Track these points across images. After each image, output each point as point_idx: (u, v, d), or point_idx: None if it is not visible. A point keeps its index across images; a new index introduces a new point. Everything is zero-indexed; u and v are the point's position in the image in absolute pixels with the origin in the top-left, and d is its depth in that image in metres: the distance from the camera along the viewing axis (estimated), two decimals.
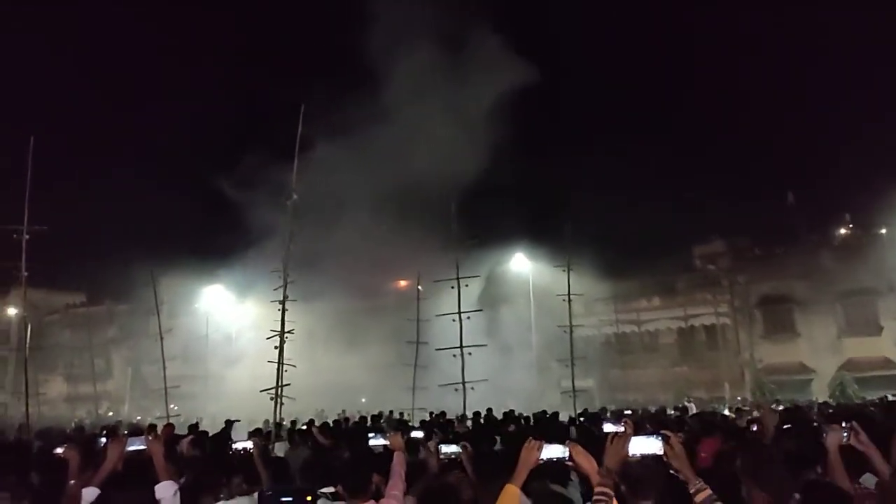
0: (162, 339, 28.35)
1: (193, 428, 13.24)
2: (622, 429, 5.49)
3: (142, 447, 4.74)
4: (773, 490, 3.29)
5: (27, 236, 18.32)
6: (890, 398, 20.12)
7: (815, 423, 8.36)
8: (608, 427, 5.87)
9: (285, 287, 16.92)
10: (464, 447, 5.08)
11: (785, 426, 7.13)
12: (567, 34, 63.25)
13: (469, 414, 18.50)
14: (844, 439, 3.89)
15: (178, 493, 4.35)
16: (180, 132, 61.27)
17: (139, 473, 4.87)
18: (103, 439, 7.15)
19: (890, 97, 56.66)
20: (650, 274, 38.89)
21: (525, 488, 3.79)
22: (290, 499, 1.15)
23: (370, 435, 6.21)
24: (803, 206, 38.21)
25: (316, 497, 1.26)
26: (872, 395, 25.79)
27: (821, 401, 25.21)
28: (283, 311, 16.82)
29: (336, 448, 7.81)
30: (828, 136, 61.99)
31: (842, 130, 59.72)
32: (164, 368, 27.45)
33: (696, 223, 42.10)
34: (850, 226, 37.75)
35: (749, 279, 37.15)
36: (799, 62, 62.93)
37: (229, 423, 13.86)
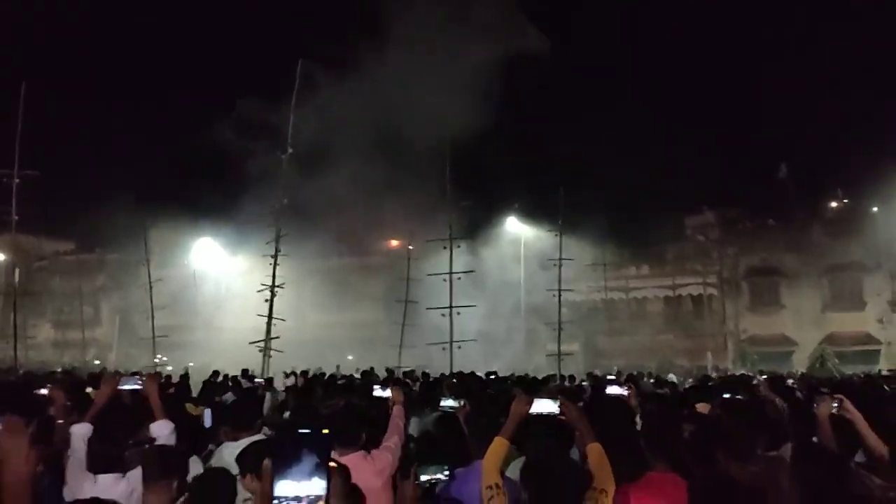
0: (151, 288, 28.38)
1: (184, 377, 13.37)
2: (625, 392, 5.60)
3: (136, 387, 4.75)
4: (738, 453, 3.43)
5: (17, 181, 18.14)
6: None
7: (797, 394, 8.51)
8: (612, 389, 5.95)
9: (277, 240, 16.95)
10: (463, 405, 5.14)
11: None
12: (578, 5, 62.02)
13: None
14: (834, 409, 3.99)
15: (175, 433, 4.37)
16: (175, 80, 59.97)
17: (133, 412, 4.91)
18: (89, 389, 7.17)
19: (884, 72, 56.37)
20: (641, 242, 39.05)
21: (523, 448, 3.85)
22: (308, 431, 1.17)
23: (375, 387, 6.38)
24: (796, 180, 38.15)
25: (331, 432, 1.29)
26: (852, 370, 26.31)
27: (800, 372, 25.70)
28: (275, 264, 16.91)
29: (327, 398, 7.89)
30: (822, 109, 61.71)
31: (836, 104, 59.41)
32: (153, 318, 27.54)
33: (689, 193, 41.96)
34: (845, 200, 37.83)
35: (738, 251, 37.38)
36: (795, 35, 62.20)
37: (215, 374, 14.02)
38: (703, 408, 5.22)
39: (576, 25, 68.90)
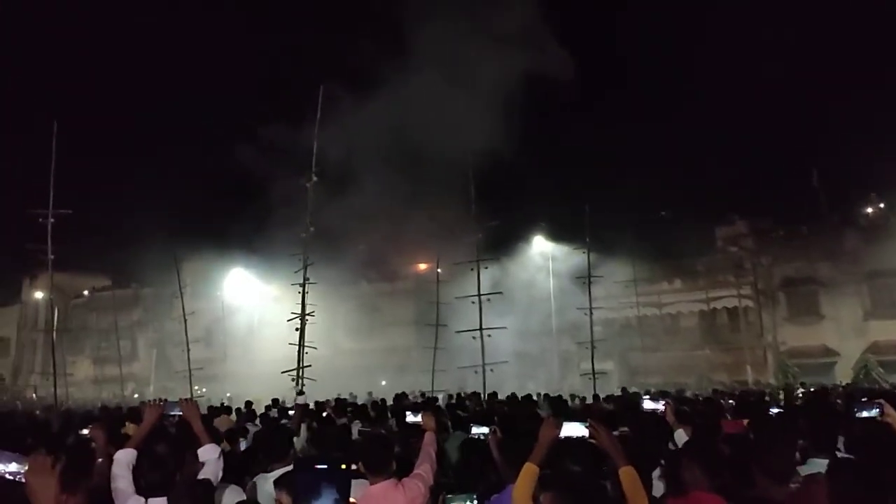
0: (186, 321, 28.75)
1: (221, 408, 13.47)
2: (661, 407, 5.46)
3: (178, 412, 4.79)
4: (775, 473, 3.32)
5: (52, 220, 18.57)
6: None
7: (836, 406, 8.26)
8: (648, 404, 5.83)
9: (305, 269, 17.02)
10: (493, 431, 5.08)
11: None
12: (602, 23, 62.25)
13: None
14: (875, 414, 3.94)
15: (222, 458, 4.37)
16: (200, 112, 61.60)
17: (179, 436, 4.94)
18: (128, 423, 7.26)
19: None
20: (672, 256, 38.50)
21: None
22: (324, 466, 1.16)
23: (407, 412, 6.38)
24: (828, 185, 37.44)
25: (350, 466, 1.27)
26: None
27: (843, 384, 24.94)
28: (304, 293, 16.95)
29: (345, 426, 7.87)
30: (852, 113, 60.65)
31: (867, 107, 58.35)
32: (188, 350, 27.84)
33: (719, 204, 41.48)
34: (880, 205, 36.90)
35: (772, 260, 36.63)
36: (822, 37, 61.37)
37: (248, 404, 14.11)
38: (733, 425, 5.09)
39: (600, 42, 69.11)
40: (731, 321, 37.70)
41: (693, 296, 38.50)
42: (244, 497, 4.06)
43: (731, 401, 13.27)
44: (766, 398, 15.49)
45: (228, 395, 25.66)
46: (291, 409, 11.76)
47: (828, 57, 60.79)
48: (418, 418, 5.25)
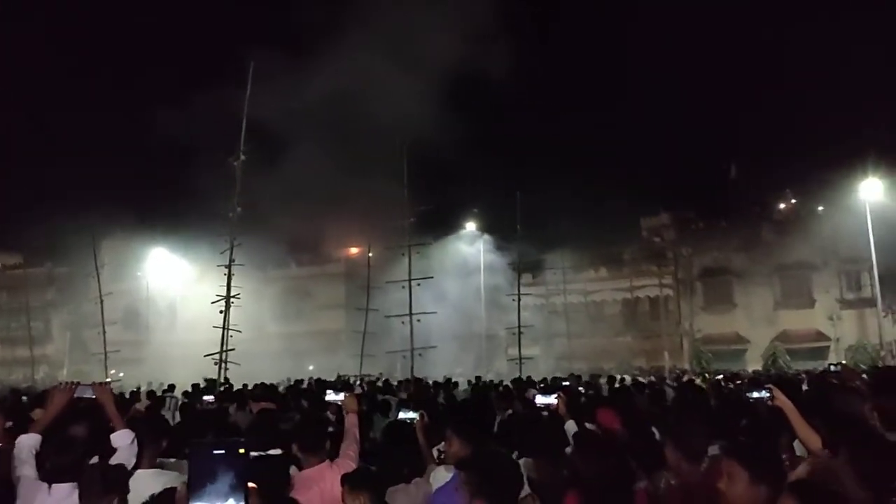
0: (102, 301, 27.59)
1: (134, 394, 12.98)
2: (554, 401, 5.55)
3: (90, 395, 4.58)
4: (689, 452, 3.47)
5: None
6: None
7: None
8: (540, 399, 5.90)
9: (231, 251, 16.51)
10: (421, 416, 5.08)
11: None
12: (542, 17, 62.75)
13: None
14: (766, 398, 4.16)
15: (136, 442, 4.22)
16: (123, 87, 58.65)
17: (89, 421, 4.72)
18: (37, 410, 6.89)
19: (834, 78, 58.51)
20: (599, 245, 39.54)
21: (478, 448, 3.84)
22: (222, 451, 1.11)
23: (327, 391, 6.43)
24: (747, 181, 39.27)
25: (249, 451, 1.23)
26: (803, 367, 27.13)
27: (753, 370, 26.34)
28: (230, 275, 16.47)
29: (286, 411, 7.75)
30: (773, 112, 63.81)
31: (786, 109, 61.47)
32: (104, 332, 26.75)
33: (645, 196, 42.87)
34: (793, 201, 38.96)
35: (692, 251, 38.17)
36: (746, 40, 64.04)
37: (171, 387, 13.70)
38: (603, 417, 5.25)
39: (538, 37, 69.88)
40: (652, 309, 39.16)
41: (617, 284, 39.75)
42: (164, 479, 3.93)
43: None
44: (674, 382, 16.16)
45: (149, 382, 24.83)
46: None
47: (751, 60, 63.57)
48: (339, 396, 5.23)
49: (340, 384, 14.08)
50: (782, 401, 4.04)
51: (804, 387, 10.32)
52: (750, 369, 28.19)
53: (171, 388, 14.54)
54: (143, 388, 16.04)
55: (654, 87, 65.78)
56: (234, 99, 19.16)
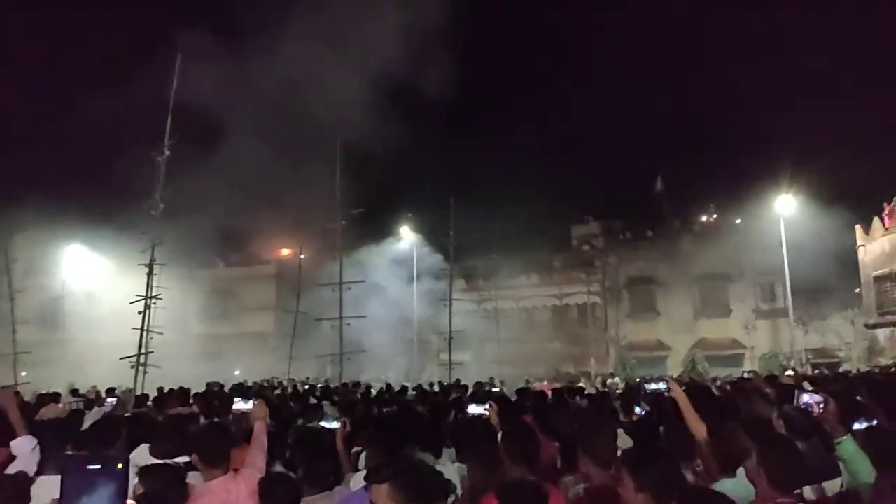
0: (13, 300, 26.14)
1: (43, 398, 12.32)
2: (486, 411, 5.60)
3: None
4: (594, 454, 3.61)
5: None
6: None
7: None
8: (473, 409, 5.93)
9: (153, 250, 15.87)
10: (343, 424, 5.01)
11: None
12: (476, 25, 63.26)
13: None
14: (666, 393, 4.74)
15: (38, 449, 3.99)
16: (42, 72, 55.55)
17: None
18: None
19: (757, 95, 61.55)
20: (530, 252, 40.21)
21: (392, 458, 3.81)
22: (98, 466, 1.04)
23: (235, 399, 5.90)
24: (672, 193, 40.75)
25: (127, 465, 1.16)
26: (720, 373, 28.34)
27: (674, 376, 27.27)
28: (150, 274, 15.84)
29: (193, 416, 7.47)
30: (699, 126, 66.74)
31: (712, 122, 64.33)
32: (14, 332, 25.31)
33: (576, 205, 43.93)
34: (714, 216, 40.71)
35: (619, 260, 39.31)
36: (674, 53, 66.77)
37: (74, 392, 13.08)
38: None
39: (479, 46, 70.55)
40: (580, 316, 40.11)
41: (548, 290, 40.55)
42: None
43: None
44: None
45: (71, 384, 23.62)
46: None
47: (679, 77, 66.12)
48: (248, 405, 4.96)
49: (255, 390, 13.71)
50: (676, 392, 4.56)
51: (717, 392, 10.71)
52: (670, 375, 29.20)
53: (75, 392, 13.88)
54: (65, 390, 15.28)
55: (587, 99, 67.64)
56: (163, 88, 18.47)
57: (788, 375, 16.07)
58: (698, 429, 4.19)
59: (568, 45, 70.85)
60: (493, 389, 14.14)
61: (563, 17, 67.22)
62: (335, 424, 5.15)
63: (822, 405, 4.11)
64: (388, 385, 17.14)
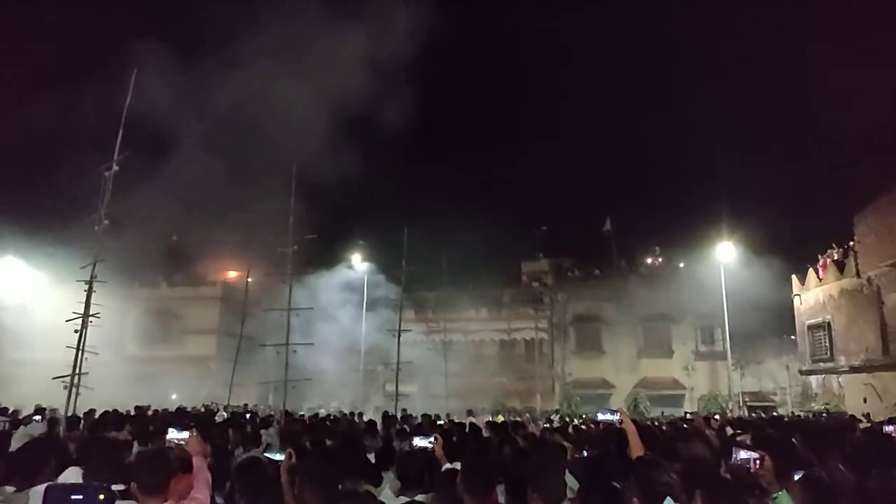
0: None
1: None
2: (430, 445, 5.59)
3: None
4: (545, 494, 3.64)
5: None
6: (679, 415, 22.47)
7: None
8: (418, 441, 5.90)
9: (94, 266, 15.31)
10: (288, 454, 4.86)
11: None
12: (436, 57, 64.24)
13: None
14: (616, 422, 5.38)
15: None
16: None
17: None
18: None
19: (705, 144, 64.02)
20: (480, 286, 40.46)
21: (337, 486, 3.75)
22: (80, 497, 1.00)
23: (169, 429, 5.65)
24: (619, 234, 41.77)
25: (112, 496, 1.12)
26: (660, 411, 28.84)
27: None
28: (90, 291, 15.24)
29: (127, 442, 7.18)
30: (650, 169, 68.97)
31: (662, 167, 66.44)
32: None
33: (526, 241, 44.54)
34: (659, 259, 41.85)
35: (567, 298, 39.89)
36: (627, 97, 69.13)
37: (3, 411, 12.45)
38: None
39: (431, 76, 71.43)
40: (527, 351, 40.37)
41: (496, 325, 40.75)
42: None
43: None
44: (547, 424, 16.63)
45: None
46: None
47: (631, 118, 68.38)
48: (182, 435, 4.68)
49: (191, 417, 13.25)
50: (627, 423, 5.29)
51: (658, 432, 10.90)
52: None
53: (4, 411, 13.19)
54: None
55: (541, 138, 69.17)
56: (112, 97, 18.03)
57: (715, 419, 16.56)
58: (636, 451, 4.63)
59: (524, 83, 72.64)
60: (440, 422, 14.04)
61: (520, 55, 69.08)
62: (279, 455, 5.02)
63: (758, 461, 4.24)
64: (333, 416, 16.83)
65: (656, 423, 15.98)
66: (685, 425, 14.34)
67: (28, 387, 23.85)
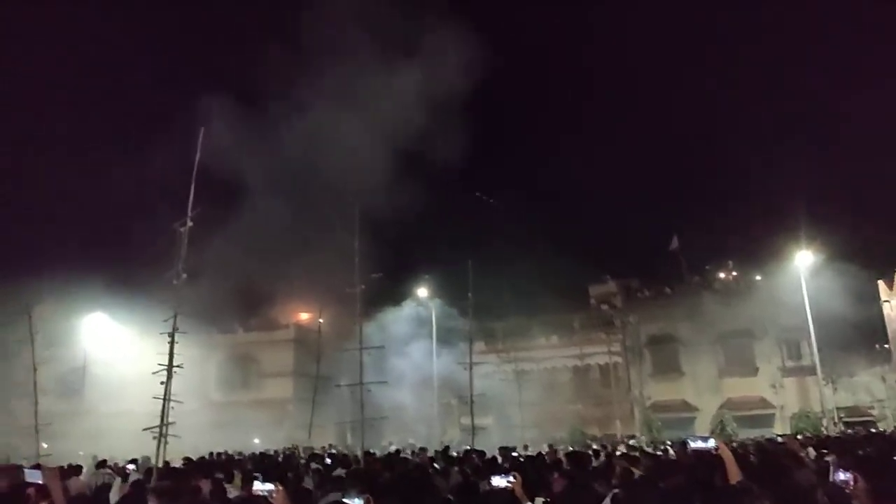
0: (35, 370, 26.20)
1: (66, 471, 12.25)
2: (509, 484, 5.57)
3: (38, 481, 4.40)
4: None
5: None
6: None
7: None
8: (497, 481, 5.82)
9: (175, 320, 15.93)
10: (367, 500, 4.87)
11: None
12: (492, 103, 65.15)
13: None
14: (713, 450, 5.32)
15: None
16: (60, 138, 57.13)
17: None
18: None
19: (774, 151, 61.99)
20: (549, 313, 39.93)
21: None
22: None
23: (255, 482, 5.74)
24: (689, 252, 40.61)
25: None
26: (749, 433, 27.49)
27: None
28: (172, 343, 15.84)
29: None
30: (716, 183, 67.08)
31: (729, 179, 64.54)
32: (36, 403, 25.29)
33: (592, 264, 43.86)
34: (733, 273, 40.39)
35: (639, 319, 38.89)
36: (688, 110, 67.73)
37: (102, 464, 13.00)
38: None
39: (490, 108, 72.32)
40: (603, 377, 39.41)
41: (568, 351, 40.02)
42: None
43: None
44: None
45: (80, 453, 23.41)
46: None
47: (698, 133, 66.91)
48: (267, 487, 4.74)
49: (274, 464, 13.45)
50: (724, 452, 5.20)
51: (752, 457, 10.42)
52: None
53: (103, 463, 13.77)
54: (89, 461, 15.18)
55: (602, 159, 68.41)
56: (183, 155, 18.93)
57: (798, 438, 15.71)
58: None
59: (583, 107, 72.30)
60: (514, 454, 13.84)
61: (578, 80, 68.91)
62: (358, 501, 5.02)
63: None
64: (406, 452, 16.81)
65: (741, 447, 15.25)
66: (774, 448, 13.65)
67: (117, 439, 24.94)
